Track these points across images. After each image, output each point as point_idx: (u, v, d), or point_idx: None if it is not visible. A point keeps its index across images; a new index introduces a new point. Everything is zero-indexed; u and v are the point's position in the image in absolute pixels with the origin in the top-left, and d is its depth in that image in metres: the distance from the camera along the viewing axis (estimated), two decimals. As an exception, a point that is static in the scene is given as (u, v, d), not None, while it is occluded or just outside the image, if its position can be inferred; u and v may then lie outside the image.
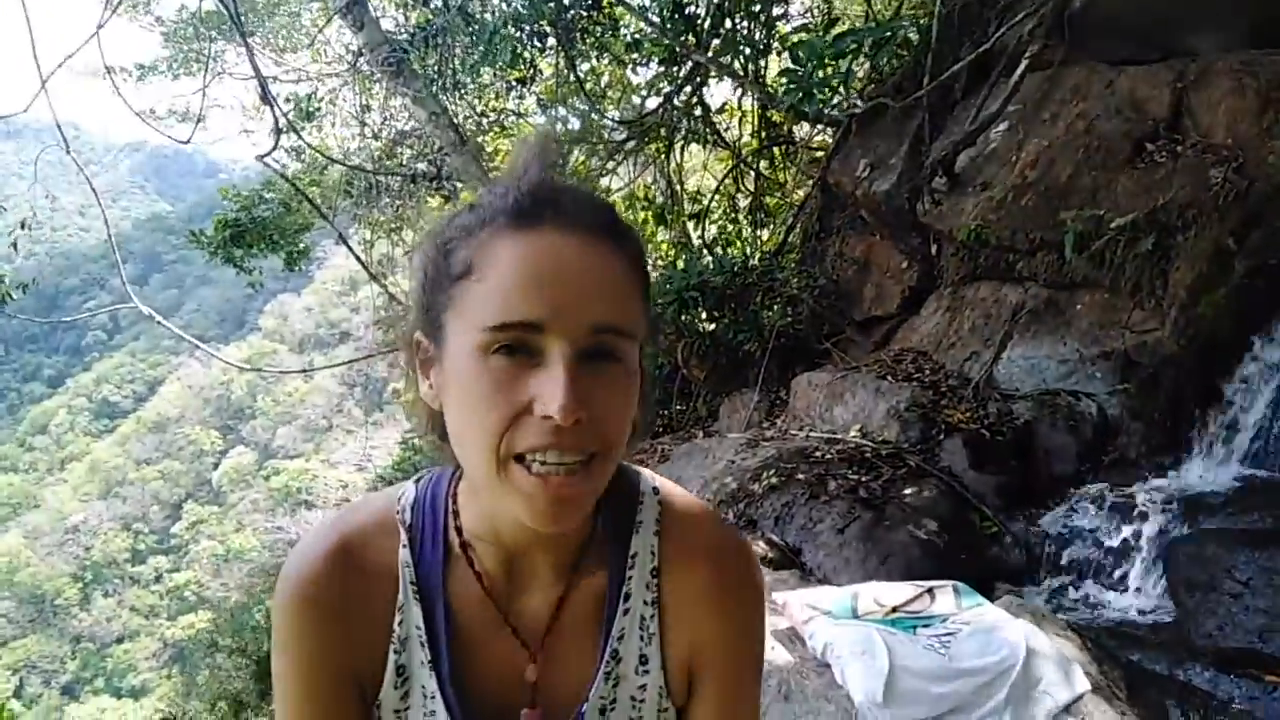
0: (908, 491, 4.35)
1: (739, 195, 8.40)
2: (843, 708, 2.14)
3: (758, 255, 7.32)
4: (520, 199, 0.73)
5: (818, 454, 4.79)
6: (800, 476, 4.53)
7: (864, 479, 4.45)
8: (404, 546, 0.86)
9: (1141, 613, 3.67)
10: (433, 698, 0.84)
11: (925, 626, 2.21)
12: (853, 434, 4.98)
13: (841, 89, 5.48)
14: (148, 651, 33.50)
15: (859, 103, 5.69)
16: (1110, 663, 2.35)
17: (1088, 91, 4.95)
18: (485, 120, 8.65)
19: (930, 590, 2.36)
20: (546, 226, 0.72)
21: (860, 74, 6.33)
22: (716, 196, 8.40)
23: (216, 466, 42.38)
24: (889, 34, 5.41)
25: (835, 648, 2.15)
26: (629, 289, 0.74)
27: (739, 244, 8.16)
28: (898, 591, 2.38)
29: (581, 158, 8.05)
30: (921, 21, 5.83)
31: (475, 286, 0.71)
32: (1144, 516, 3.88)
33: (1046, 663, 2.08)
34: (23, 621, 35.41)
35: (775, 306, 6.13)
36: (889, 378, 5.21)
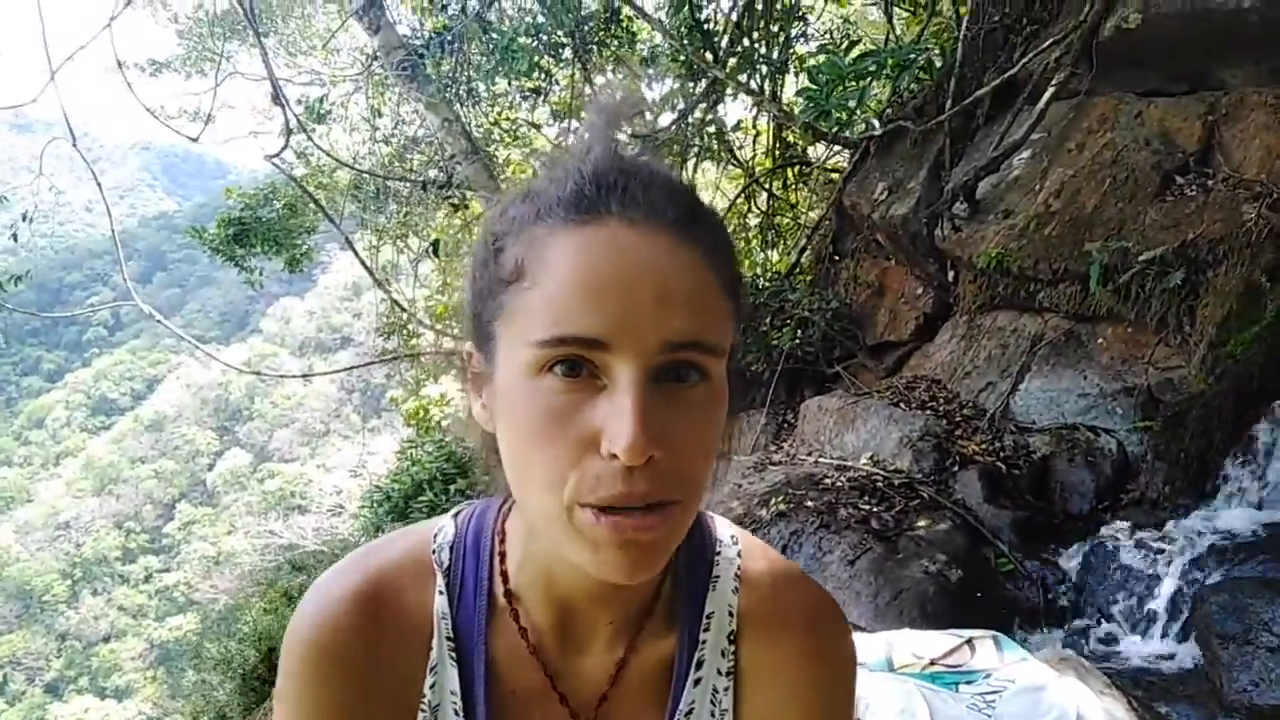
0: (921, 524, 4.21)
1: (750, 215, 8.30)
2: (874, 768, 2.00)
3: (767, 276, 7.20)
4: (580, 185, 0.61)
5: (827, 481, 4.65)
6: (810, 504, 4.39)
7: (876, 509, 4.32)
8: (440, 594, 0.73)
9: (1165, 660, 3.53)
10: None
11: (968, 683, 2.06)
12: (864, 461, 4.85)
13: (859, 110, 5.39)
14: (134, 652, 33.25)
15: (877, 125, 5.59)
16: (1156, 724, 2.21)
17: (1115, 122, 4.85)
18: (498, 130, 8.56)
19: (970, 641, 2.22)
20: (611, 219, 0.59)
21: (880, 96, 6.23)
22: (728, 216, 8.30)
23: (211, 468, 42.19)
24: (912, 56, 5.33)
25: (871, 704, 2.01)
26: (713, 293, 0.61)
27: (749, 264, 8.05)
28: (935, 642, 2.24)
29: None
30: (945, 45, 5.74)
31: (527, 293, 0.59)
32: (1169, 559, 3.74)
33: (1097, 727, 1.94)
34: (9, 617, 35.17)
35: (785, 328, 6.00)
36: (902, 405, 5.08)
